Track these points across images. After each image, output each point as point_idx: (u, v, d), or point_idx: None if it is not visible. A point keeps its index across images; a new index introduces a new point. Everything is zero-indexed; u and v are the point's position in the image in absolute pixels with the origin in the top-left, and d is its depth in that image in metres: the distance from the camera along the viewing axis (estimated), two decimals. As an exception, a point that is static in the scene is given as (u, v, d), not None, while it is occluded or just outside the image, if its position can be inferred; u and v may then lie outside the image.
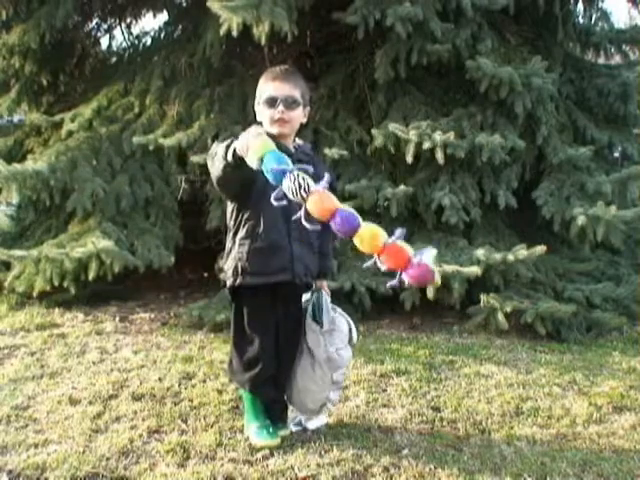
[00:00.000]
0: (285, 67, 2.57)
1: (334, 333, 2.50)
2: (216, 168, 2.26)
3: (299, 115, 2.44)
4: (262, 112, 2.44)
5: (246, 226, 2.38)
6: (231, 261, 2.42)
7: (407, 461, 2.36)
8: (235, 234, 2.42)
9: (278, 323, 2.48)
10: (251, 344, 2.45)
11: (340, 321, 2.54)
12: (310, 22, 4.80)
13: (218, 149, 2.25)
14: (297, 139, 2.55)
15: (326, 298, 2.54)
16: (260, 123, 2.46)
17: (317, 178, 2.52)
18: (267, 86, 2.42)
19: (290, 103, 2.38)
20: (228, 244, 2.46)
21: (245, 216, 2.40)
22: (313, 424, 2.60)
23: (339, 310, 2.58)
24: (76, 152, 4.71)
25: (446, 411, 2.83)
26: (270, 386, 2.52)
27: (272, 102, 2.38)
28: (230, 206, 2.46)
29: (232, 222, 2.45)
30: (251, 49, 5.11)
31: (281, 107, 2.37)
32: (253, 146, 2.04)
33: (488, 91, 4.41)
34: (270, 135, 2.41)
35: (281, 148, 2.40)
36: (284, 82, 2.41)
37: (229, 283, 2.45)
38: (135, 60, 5.80)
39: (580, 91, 5.30)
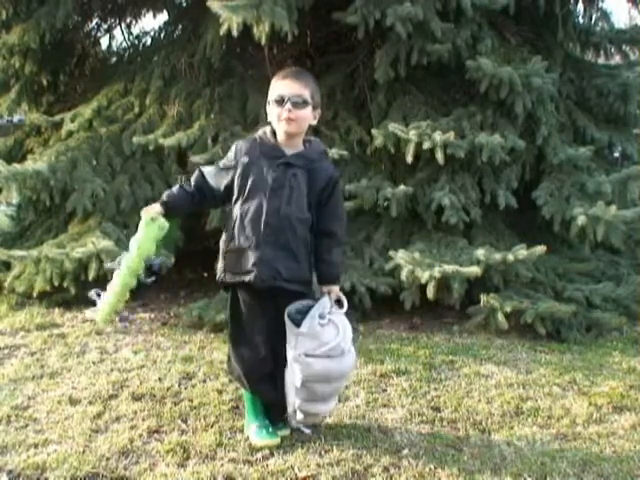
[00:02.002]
0: (297, 68, 2.65)
1: (307, 338, 2.36)
2: None
3: (307, 115, 2.44)
4: (271, 111, 2.46)
5: (227, 227, 2.50)
6: (219, 261, 2.54)
7: (407, 461, 2.36)
8: (223, 234, 2.54)
9: (270, 324, 2.47)
10: (244, 340, 2.49)
11: (326, 330, 2.39)
12: (310, 22, 4.80)
13: None
14: (311, 137, 2.58)
15: (324, 303, 2.44)
16: (270, 123, 2.49)
17: (313, 183, 2.46)
18: (277, 85, 2.44)
19: (298, 102, 2.39)
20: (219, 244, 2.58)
21: (227, 218, 2.52)
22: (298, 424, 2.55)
23: (334, 318, 2.43)
24: (76, 152, 4.71)
25: (446, 411, 2.83)
26: (268, 386, 2.53)
27: (280, 100, 2.40)
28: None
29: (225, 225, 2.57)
30: (251, 49, 5.11)
31: (289, 105, 2.38)
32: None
33: (488, 91, 4.41)
34: (272, 133, 2.47)
35: (276, 152, 2.43)
36: (294, 81, 2.43)
37: (217, 280, 2.55)
38: (135, 60, 5.80)
39: (580, 91, 5.29)
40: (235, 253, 2.44)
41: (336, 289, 2.54)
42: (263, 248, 2.39)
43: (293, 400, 2.46)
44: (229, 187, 2.46)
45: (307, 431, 2.55)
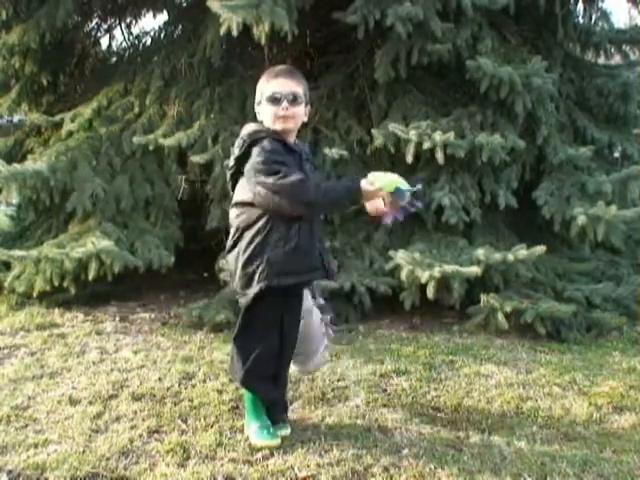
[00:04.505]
0: (286, 66, 2.59)
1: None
2: (329, 204, 2.40)
3: (302, 112, 2.45)
4: (265, 110, 2.43)
5: (279, 229, 2.36)
6: (262, 264, 2.37)
7: (407, 461, 2.36)
8: (267, 236, 2.36)
9: (282, 323, 2.47)
10: (256, 343, 2.46)
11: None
12: (310, 22, 4.79)
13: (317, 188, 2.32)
14: (295, 139, 2.53)
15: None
16: (261, 123, 2.46)
17: (316, 176, 2.55)
18: (270, 84, 2.42)
19: (294, 99, 2.39)
20: (252, 247, 2.39)
21: (276, 220, 2.36)
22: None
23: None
24: (76, 152, 4.71)
25: (446, 411, 2.83)
26: (270, 386, 2.53)
27: (276, 99, 2.38)
28: (254, 211, 2.39)
29: (260, 225, 2.38)
30: (251, 49, 5.12)
31: (285, 103, 2.37)
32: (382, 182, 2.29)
33: (488, 91, 4.41)
34: (274, 132, 2.42)
35: (288, 146, 2.42)
36: (287, 79, 2.42)
37: (262, 285, 2.37)
38: (135, 60, 5.81)
39: (580, 91, 5.29)
40: (295, 253, 2.36)
41: None
42: (316, 243, 2.46)
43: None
44: None
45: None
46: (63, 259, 4.10)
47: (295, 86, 2.41)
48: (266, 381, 2.51)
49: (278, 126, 2.40)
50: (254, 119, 2.54)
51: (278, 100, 2.38)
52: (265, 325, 2.45)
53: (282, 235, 2.36)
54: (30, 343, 3.67)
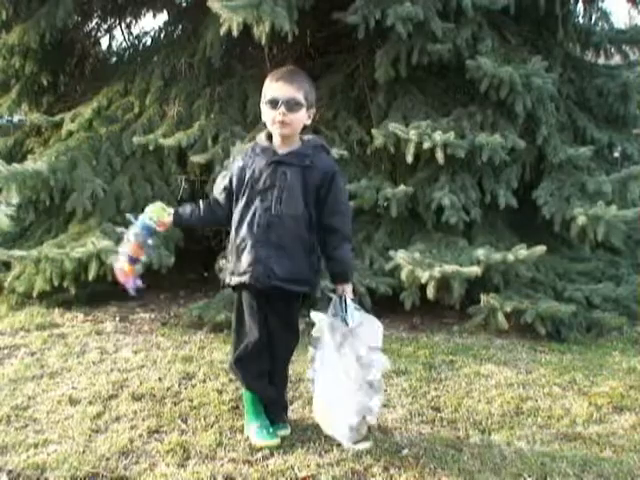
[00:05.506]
0: (291, 68, 2.57)
1: (361, 330, 2.34)
2: None
3: (301, 117, 2.41)
4: (265, 112, 2.45)
5: (231, 228, 2.53)
6: (226, 262, 2.62)
7: (407, 461, 2.36)
8: (230, 234, 2.57)
9: (267, 320, 2.48)
10: (240, 334, 2.52)
11: (369, 321, 2.39)
12: (310, 22, 4.79)
13: None
14: (310, 135, 2.56)
15: (336, 302, 2.40)
16: (264, 123, 2.50)
17: (308, 180, 2.43)
18: (271, 86, 2.43)
19: (292, 105, 2.37)
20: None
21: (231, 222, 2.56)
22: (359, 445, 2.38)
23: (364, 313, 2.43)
24: (76, 152, 4.71)
25: (446, 411, 2.83)
26: (266, 384, 2.54)
27: (274, 103, 2.38)
28: None
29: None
30: (251, 49, 5.11)
31: (282, 109, 2.36)
32: None
33: (488, 91, 4.41)
34: (272, 135, 2.48)
35: (268, 152, 2.45)
36: (287, 83, 2.39)
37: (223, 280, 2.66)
38: (135, 60, 5.81)
39: (580, 91, 5.29)
40: (235, 255, 2.47)
41: (348, 288, 2.44)
42: (257, 248, 2.41)
43: (362, 404, 2.30)
44: (227, 191, 2.53)
45: (367, 445, 2.39)
46: (63, 259, 4.10)
47: (294, 91, 2.38)
48: (262, 380, 2.53)
49: (275, 131, 2.42)
50: (254, 119, 2.57)
51: (276, 105, 2.37)
52: (243, 318, 2.51)
53: (231, 235, 2.51)
54: (30, 343, 3.67)
